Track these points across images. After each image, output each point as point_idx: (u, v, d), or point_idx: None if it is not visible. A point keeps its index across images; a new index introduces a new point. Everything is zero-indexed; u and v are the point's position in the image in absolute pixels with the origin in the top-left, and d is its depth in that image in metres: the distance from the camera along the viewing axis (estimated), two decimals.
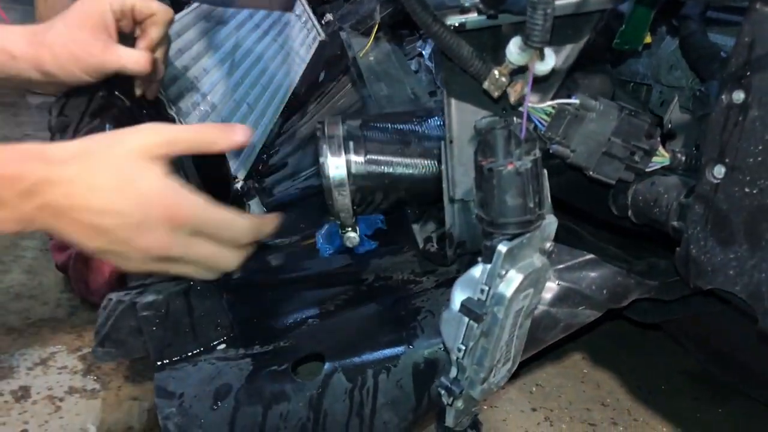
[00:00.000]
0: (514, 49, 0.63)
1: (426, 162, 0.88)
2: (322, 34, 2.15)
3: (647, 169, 0.81)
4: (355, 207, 0.89)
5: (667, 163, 0.81)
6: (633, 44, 0.95)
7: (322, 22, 2.15)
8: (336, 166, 0.86)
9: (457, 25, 0.73)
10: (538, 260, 0.67)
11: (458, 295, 0.67)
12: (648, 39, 0.97)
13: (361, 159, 0.87)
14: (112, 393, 1.05)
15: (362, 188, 0.87)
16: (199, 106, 1.31)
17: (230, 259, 0.64)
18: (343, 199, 0.87)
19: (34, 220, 0.57)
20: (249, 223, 0.64)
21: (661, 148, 0.81)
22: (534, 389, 1.19)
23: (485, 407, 1.11)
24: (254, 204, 1.29)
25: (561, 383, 1.21)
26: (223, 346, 0.91)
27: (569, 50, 0.78)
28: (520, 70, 0.67)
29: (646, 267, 1.00)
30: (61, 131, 0.91)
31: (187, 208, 0.60)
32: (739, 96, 0.68)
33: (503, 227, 0.64)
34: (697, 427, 1.13)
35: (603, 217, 0.95)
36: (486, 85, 0.68)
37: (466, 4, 0.72)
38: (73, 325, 1.19)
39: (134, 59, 0.79)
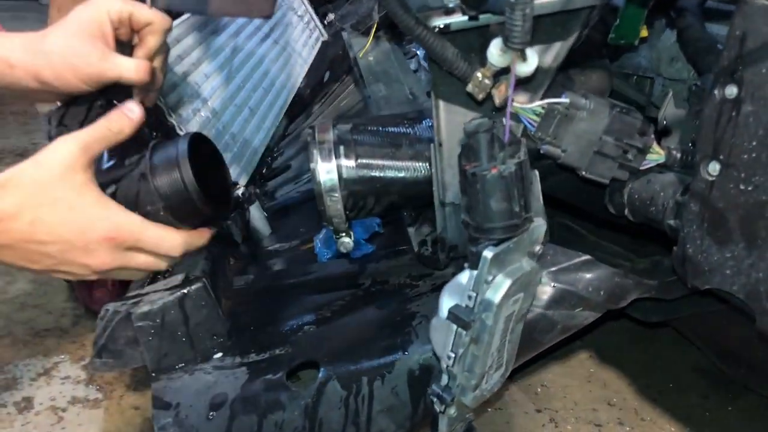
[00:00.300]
0: (494, 51, 0.62)
1: (418, 165, 0.87)
2: (325, 35, 2.14)
3: (642, 167, 0.80)
4: (347, 212, 0.88)
5: (662, 160, 0.80)
6: (628, 38, 0.94)
7: (325, 22, 2.15)
8: (327, 171, 0.85)
9: (442, 26, 0.72)
10: (527, 264, 0.66)
11: (446, 302, 0.67)
12: (644, 33, 0.95)
13: (351, 163, 0.86)
14: (114, 402, 1.05)
15: (354, 193, 0.87)
16: (200, 112, 1.30)
17: (163, 266, 0.72)
18: (334, 205, 0.86)
19: None
20: (181, 239, 0.70)
21: (655, 146, 0.80)
22: (539, 390, 1.17)
23: (489, 409, 1.10)
24: (254, 209, 1.28)
25: (566, 383, 1.19)
26: (219, 354, 0.91)
27: (558, 48, 0.76)
28: (504, 72, 0.66)
29: (650, 265, 0.98)
30: None
31: (126, 229, 0.66)
32: (731, 91, 0.67)
33: (489, 232, 0.63)
34: (707, 426, 1.11)
35: (603, 216, 0.93)
36: (470, 87, 0.67)
37: (450, 5, 0.71)
38: (76, 335, 1.19)
39: (132, 68, 0.79)
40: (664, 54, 1.06)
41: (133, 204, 0.69)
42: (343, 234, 0.91)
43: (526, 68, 0.62)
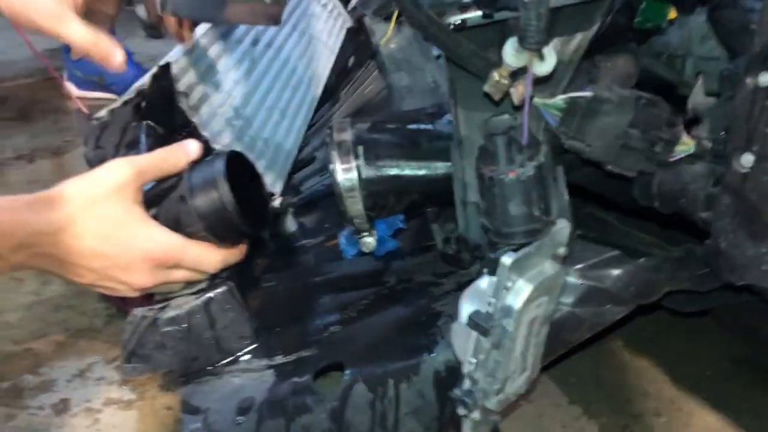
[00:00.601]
0: (509, 51, 0.60)
1: (438, 162, 0.85)
2: (350, 21, 2.12)
3: (671, 159, 0.77)
4: (368, 212, 0.87)
5: (691, 151, 0.77)
6: (656, 20, 0.90)
7: (348, 9, 2.12)
8: (345, 171, 0.84)
9: (458, 23, 0.69)
10: (550, 267, 0.64)
11: (466, 308, 0.65)
12: (673, 14, 0.91)
13: (371, 163, 0.85)
14: (148, 403, 1.07)
15: (374, 193, 0.85)
16: (232, 122, 1.25)
17: (199, 278, 0.77)
18: (355, 205, 0.85)
19: (26, 264, 0.64)
20: (220, 257, 0.73)
21: (685, 136, 0.77)
22: (572, 381, 1.15)
23: (521, 402, 1.09)
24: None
25: (600, 374, 1.17)
26: (247, 357, 0.91)
27: (580, 39, 0.73)
28: (522, 70, 0.63)
29: (684, 253, 0.95)
30: (99, 163, 0.94)
31: (168, 250, 0.68)
32: (765, 78, 0.64)
33: (508, 237, 0.61)
34: (746, 416, 1.08)
35: (632, 206, 0.91)
36: (487, 87, 0.65)
37: (465, 0, 0.69)
38: (109, 335, 1.21)
39: (77, 38, 0.78)
40: (695, 32, 1.01)
41: (173, 226, 0.71)
42: (366, 234, 0.90)
43: (544, 68, 0.60)
